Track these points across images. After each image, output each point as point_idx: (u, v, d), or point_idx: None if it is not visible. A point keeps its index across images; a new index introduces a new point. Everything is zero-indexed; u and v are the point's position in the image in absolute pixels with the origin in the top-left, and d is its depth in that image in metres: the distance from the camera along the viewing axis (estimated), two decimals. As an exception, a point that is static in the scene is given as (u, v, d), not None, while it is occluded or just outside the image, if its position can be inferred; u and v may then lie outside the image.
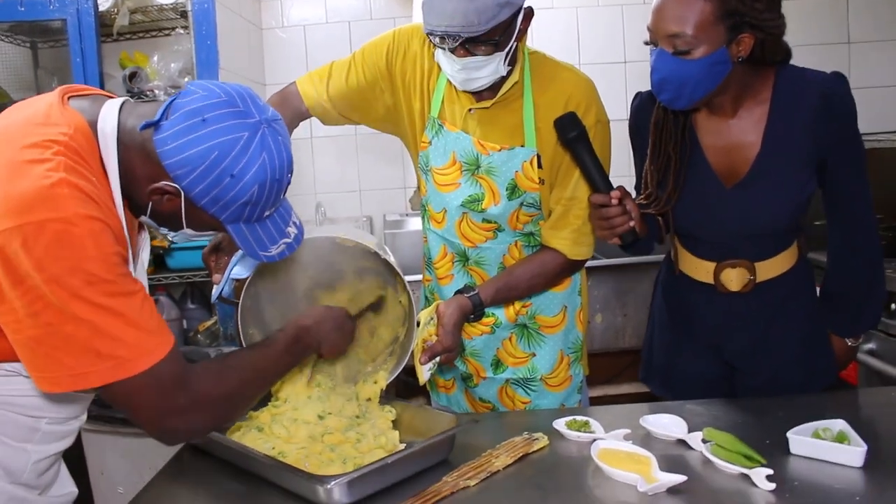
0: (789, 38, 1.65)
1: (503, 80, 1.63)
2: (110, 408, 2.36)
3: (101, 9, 2.68)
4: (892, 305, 2.46)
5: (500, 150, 1.69)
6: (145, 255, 1.36)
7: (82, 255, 1.05)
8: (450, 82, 1.68)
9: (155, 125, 1.14)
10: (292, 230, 1.29)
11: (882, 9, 3.62)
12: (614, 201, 1.55)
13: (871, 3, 3.62)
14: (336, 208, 3.72)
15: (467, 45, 1.52)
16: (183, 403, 1.16)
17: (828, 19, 3.61)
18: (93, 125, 1.15)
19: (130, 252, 1.19)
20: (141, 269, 1.35)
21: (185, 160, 1.12)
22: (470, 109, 1.70)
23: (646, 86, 1.84)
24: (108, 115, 1.17)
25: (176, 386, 1.15)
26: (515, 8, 1.52)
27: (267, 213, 1.22)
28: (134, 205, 1.20)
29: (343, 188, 3.78)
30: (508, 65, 1.60)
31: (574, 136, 1.58)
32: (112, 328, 1.08)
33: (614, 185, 1.63)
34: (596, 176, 1.58)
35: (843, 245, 1.72)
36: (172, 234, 1.26)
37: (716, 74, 1.53)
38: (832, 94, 1.59)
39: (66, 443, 1.34)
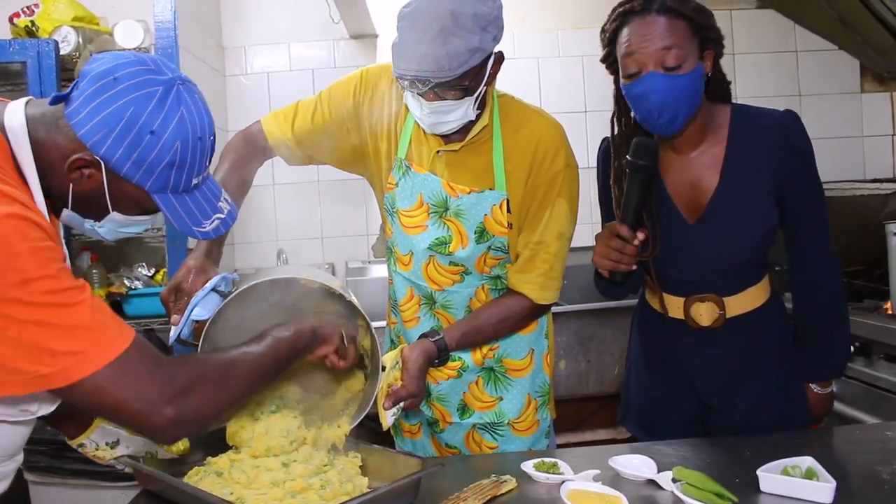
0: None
1: (472, 123, 1.64)
2: (59, 458, 2.28)
3: (62, 52, 2.65)
4: (850, 348, 2.50)
5: (469, 193, 1.69)
6: None
7: (9, 253, 0.97)
8: (418, 124, 1.68)
9: (65, 98, 1.11)
10: (224, 206, 1.25)
11: (828, 65, 3.81)
12: (636, 242, 1.58)
13: (818, 59, 3.81)
14: (298, 255, 3.68)
15: (437, 90, 1.52)
16: (169, 390, 1.09)
17: (780, 74, 3.77)
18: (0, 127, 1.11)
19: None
20: None
21: (100, 123, 1.08)
22: (438, 151, 1.69)
23: (605, 133, 1.89)
24: (14, 112, 1.12)
25: (153, 369, 1.08)
26: (486, 53, 1.53)
27: (195, 182, 1.18)
28: (56, 202, 1.15)
29: (305, 235, 3.76)
30: (478, 108, 1.60)
31: (644, 164, 1.60)
32: (63, 322, 1.00)
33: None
34: (632, 209, 1.61)
35: (806, 282, 1.75)
36: (100, 227, 1.20)
37: (699, 90, 1.60)
38: (789, 128, 1.66)
39: (0, 486, 1.26)
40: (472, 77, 1.53)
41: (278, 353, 1.31)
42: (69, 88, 1.12)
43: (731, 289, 1.72)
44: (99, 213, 1.18)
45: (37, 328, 0.99)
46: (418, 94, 1.54)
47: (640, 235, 1.59)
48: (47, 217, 1.11)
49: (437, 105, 1.55)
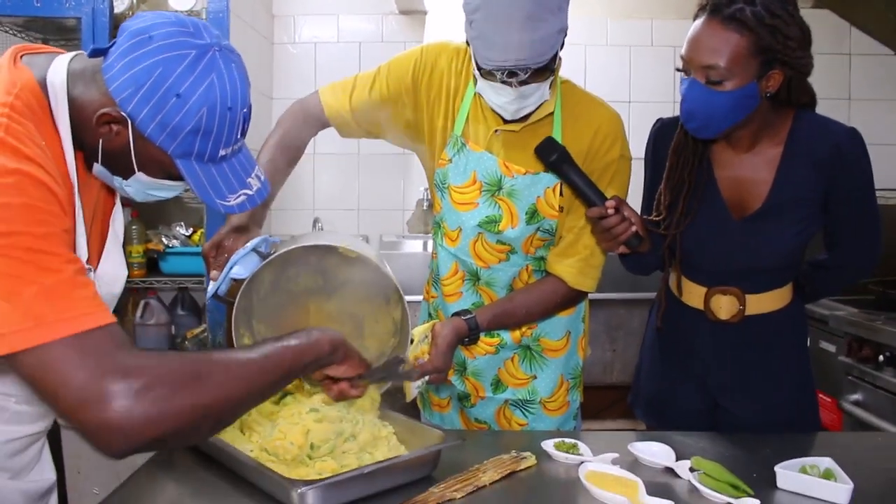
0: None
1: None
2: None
3: (116, 10, 2.70)
4: (880, 357, 2.48)
5: (524, 174, 1.70)
6: (119, 227, 1.34)
7: (1, 203, 0.95)
8: (476, 102, 1.69)
9: (104, 52, 1.11)
10: (255, 182, 1.21)
11: (882, 69, 3.73)
12: (610, 211, 1.56)
13: (872, 63, 3.73)
14: (333, 225, 3.72)
15: (529, 77, 1.53)
16: (127, 382, 0.95)
17: (831, 75, 3.71)
18: (42, 81, 1.11)
19: (84, 231, 1.16)
20: (114, 240, 1.30)
21: (129, 79, 1.07)
22: (496, 130, 1.70)
23: (648, 125, 1.88)
24: (59, 66, 1.13)
25: (116, 355, 0.96)
26: (566, 32, 1.55)
27: (223, 153, 1.14)
28: (88, 157, 1.16)
29: (342, 205, 3.80)
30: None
31: (555, 158, 1.60)
32: (32, 280, 0.94)
33: None
34: (587, 192, 1.60)
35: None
36: (127, 185, 1.18)
37: (744, 107, 1.57)
38: (844, 146, 1.62)
39: (42, 425, 1.29)
40: (554, 57, 1.55)
41: (281, 360, 1.17)
42: (110, 43, 1.12)
43: (755, 287, 1.73)
44: (126, 172, 1.16)
45: (4, 281, 0.94)
46: (512, 83, 1.52)
47: (610, 203, 1.56)
48: (74, 171, 1.12)
49: (522, 90, 1.55)
